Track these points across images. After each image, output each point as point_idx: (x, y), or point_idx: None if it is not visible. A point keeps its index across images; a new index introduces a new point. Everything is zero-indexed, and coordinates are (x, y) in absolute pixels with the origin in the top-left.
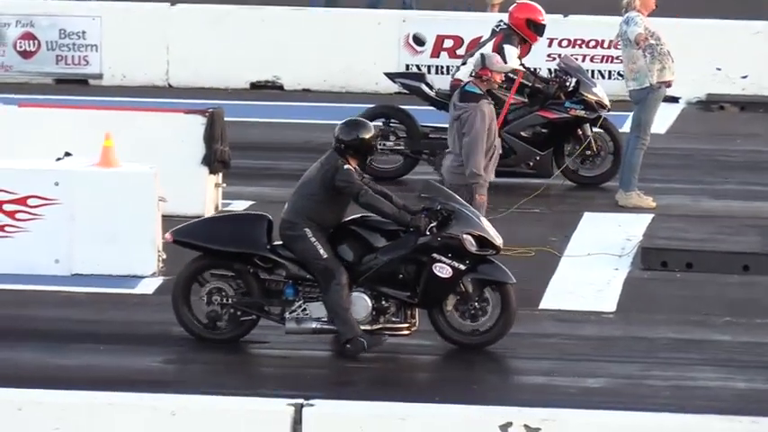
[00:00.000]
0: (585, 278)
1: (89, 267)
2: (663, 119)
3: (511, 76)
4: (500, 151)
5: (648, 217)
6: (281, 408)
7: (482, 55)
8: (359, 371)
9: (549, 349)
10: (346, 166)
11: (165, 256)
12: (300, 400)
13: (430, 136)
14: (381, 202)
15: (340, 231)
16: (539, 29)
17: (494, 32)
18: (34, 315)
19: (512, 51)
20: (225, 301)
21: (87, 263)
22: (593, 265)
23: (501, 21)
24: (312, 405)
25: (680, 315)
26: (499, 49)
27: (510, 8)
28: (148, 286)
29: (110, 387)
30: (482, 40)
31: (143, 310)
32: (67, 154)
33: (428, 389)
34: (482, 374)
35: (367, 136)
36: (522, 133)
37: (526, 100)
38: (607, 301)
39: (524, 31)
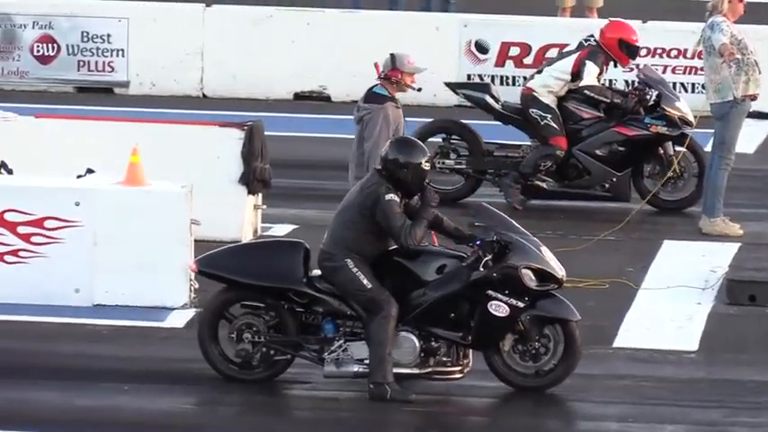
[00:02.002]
0: (665, 313)
1: (113, 298)
2: (750, 137)
3: (588, 93)
4: None
5: (735, 246)
6: None
7: (392, 55)
8: (411, 414)
9: (623, 392)
10: (388, 197)
11: (197, 286)
12: None
13: (495, 154)
14: (419, 233)
15: (383, 263)
16: (631, 50)
17: (581, 46)
18: (51, 350)
19: (592, 70)
20: (257, 338)
21: (111, 293)
22: (673, 299)
23: (591, 36)
24: None
25: None
26: (581, 64)
27: (602, 27)
28: (179, 319)
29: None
30: (566, 49)
31: (173, 346)
32: (90, 171)
33: None
34: (549, 420)
35: (418, 160)
36: (597, 152)
37: (601, 114)
38: (688, 339)
39: (615, 52)
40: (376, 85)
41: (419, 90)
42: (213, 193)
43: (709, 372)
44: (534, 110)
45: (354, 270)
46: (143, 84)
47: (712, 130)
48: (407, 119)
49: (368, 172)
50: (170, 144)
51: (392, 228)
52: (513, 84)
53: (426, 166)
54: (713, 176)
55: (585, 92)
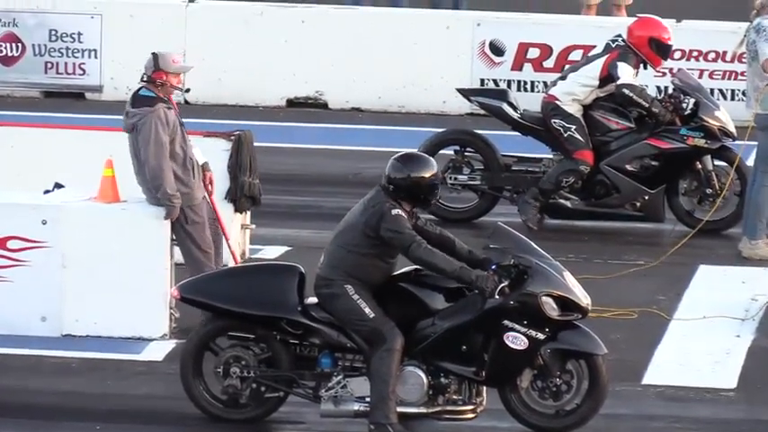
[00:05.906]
0: (700, 347)
1: (84, 327)
2: None
3: (627, 93)
4: (202, 162)
5: None
6: None
7: (154, 54)
8: None
9: None
10: (394, 211)
11: (178, 315)
12: None
13: (513, 168)
14: (437, 257)
15: (387, 289)
16: (663, 49)
17: (607, 47)
18: (14, 386)
19: (626, 69)
20: (245, 373)
21: (82, 322)
22: (709, 331)
23: (619, 36)
24: None
25: None
26: (611, 66)
27: (630, 24)
28: (157, 351)
29: None
30: (591, 52)
31: (151, 381)
32: (58, 185)
33: None
34: None
35: (426, 174)
36: (628, 166)
37: (632, 125)
38: (727, 376)
39: (646, 52)
40: (141, 87)
41: (187, 91)
42: None
43: (749, 412)
44: (557, 120)
45: (355, 297)
46: (118, 88)
47: (755, 143)
48: (414, 128)
49: (157, 186)
50: None
51: (402, 241)
52: (532, 90)
53: (437, 180)
54: (755, 194)
55: (624, 91)
